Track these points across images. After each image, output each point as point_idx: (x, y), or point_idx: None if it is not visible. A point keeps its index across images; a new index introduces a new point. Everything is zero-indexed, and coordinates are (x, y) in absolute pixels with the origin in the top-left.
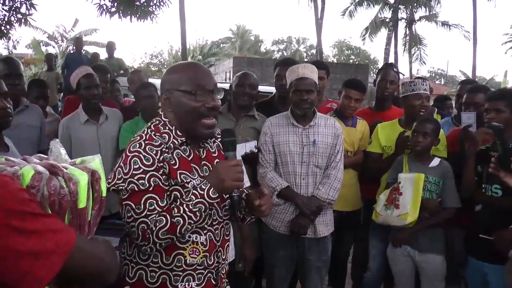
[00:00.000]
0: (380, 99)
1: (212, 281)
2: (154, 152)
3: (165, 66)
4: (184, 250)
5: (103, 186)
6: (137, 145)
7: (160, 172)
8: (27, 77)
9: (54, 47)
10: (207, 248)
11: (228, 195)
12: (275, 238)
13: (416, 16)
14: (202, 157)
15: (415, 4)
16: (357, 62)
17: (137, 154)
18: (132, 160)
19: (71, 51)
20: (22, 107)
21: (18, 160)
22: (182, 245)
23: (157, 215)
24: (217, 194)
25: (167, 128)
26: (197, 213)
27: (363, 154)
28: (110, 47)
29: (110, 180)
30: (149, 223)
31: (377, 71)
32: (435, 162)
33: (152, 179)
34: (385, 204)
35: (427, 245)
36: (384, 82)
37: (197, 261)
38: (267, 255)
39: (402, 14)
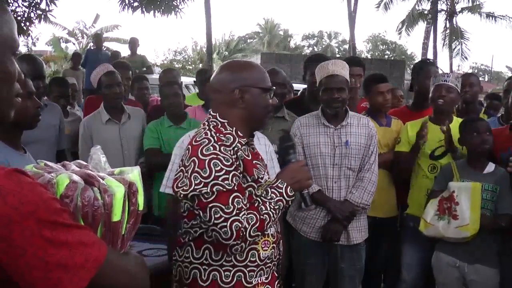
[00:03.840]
0: (421, 98)
1: (275, 273)
2: (229, 152)
3: (189, 62)
4: (257, 244)
5: (140, 199)
6: (211, 147)
7: (238, 171)
8: (47, 75)
9: (74, 44)
10: (275, 239)
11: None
12: (305, 244)
13: (458, 8)
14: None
15: None
16: (392, 58)
17: (215, 156)
18: (212, 163)
19: (91, 48)
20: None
21: (57, 166)
22: (253, 242)
23: (246, 213)
24: (293, 192)
25: (228, 129)
26: (277, 210)
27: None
28: (133, 43)
29: (186, 187)
30: (242, 221)
31: (413, 67)
32: (490, 167)
33: (234, 178)
34: (437, 214)
35: (478, 256)
36: (428, 80)
37: (267, 254)
38: (297, 263)
39: (442, 5)
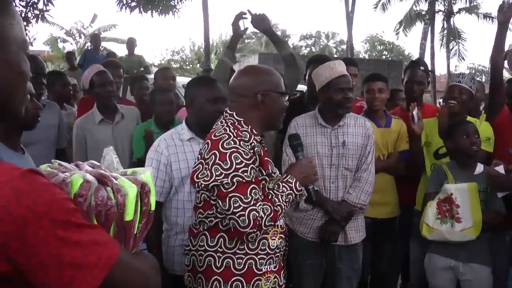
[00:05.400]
0: (408, 100)
1: (282, 263)
2: (248, 147)
3: (187, 62)
4: (267, 233)
5: (152, 199)
6: (231, 142)
7: (255, 165)
8: None
9: (71, 43)
10: (283, 230)
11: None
12: (303, 245)
13: (455, 8)
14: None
15: None
16: (390, 58)
17: (236, 149)
18: (233, 156)
19: (89, 48)
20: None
21: (70, 166)
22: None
23: (262, 204)
24: (302, 187)
25: (244, 127)
26: (288, 203)
27: (398, 156)
28: (131, 43)
29: (207, 178)
30: (259, 211)
31: (404, 70)
32: (480, 168)
33: (252, 171)
34: (438, 218)
35: (472, 255)
36: (410, 83)
37: (276, 244)
38: (294, 264)
39: (440, 6)
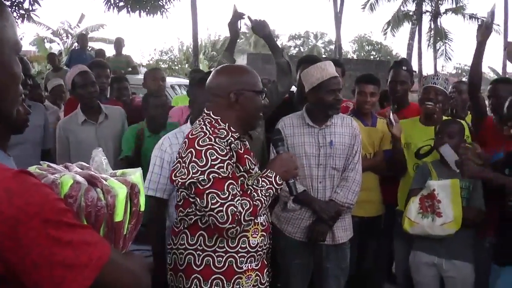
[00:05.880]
0: (393, 99)
1: (265, 261)
2: (223, 143)
3: (175, 63)
4: (248, 232)
5: (142, 200)
6: (207, 139)
7: (232, 161)
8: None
9: (58, 44)
10: (264, 227)
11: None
12: (291, 245)
13: (442, 9)
14: (245, 149)
15: None
16: (378, 58)
17: (211, 146)
18: (208, 152)
19: (76, 48)
20: None
21: (59, 167)
22: (246, 227)
23: (240, 199)
24: (282, 181)
25: (221, 125)
26: (268, 197)
27: (383, 155)
28: (119, 43)
29: (184, 176)
30: (237, 206)
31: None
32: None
33: (229, 167)
34: (420, 212)
35: (455, 252)
36: (394, 83)
37: (257, 242)
38: (282, 263)
39: (427, 6)
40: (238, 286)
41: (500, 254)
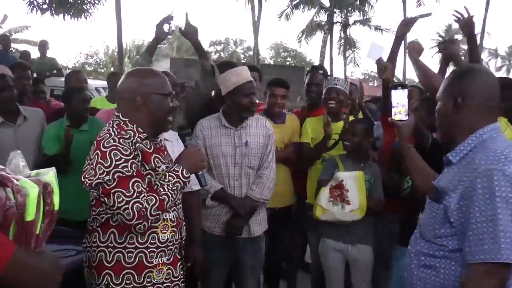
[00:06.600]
0: (309, 100)
1: (177, 255)
2: (128, 143)
3: (101, 66)
4: (157, 228)
5: (56, 199)
6: (111, 140)
7: (137, 160)
8: None
9: None
10: (174, 223)
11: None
12: (210, 240)
13: (351, 20)
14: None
15: (349, 8)
16: (293, 64)
17: (115, 147)
18: (112, 153)
19: None
20: None
21: None
22: (155, 223)
23: (146, 195)
24: (189, 174)
25: (129, 126)
26: (175, 191)
27: (293, 147)
28: (43, 46)
29: (91, 177)
30: (143, 202)
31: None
32: (366, 161)
33: (133, 165)
34: (331, 200)
35: (358, 237)
36: (310, 85)
37: (167, 237)
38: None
39: (337, 18)
40: (149, 279)
41: (403, 236)
